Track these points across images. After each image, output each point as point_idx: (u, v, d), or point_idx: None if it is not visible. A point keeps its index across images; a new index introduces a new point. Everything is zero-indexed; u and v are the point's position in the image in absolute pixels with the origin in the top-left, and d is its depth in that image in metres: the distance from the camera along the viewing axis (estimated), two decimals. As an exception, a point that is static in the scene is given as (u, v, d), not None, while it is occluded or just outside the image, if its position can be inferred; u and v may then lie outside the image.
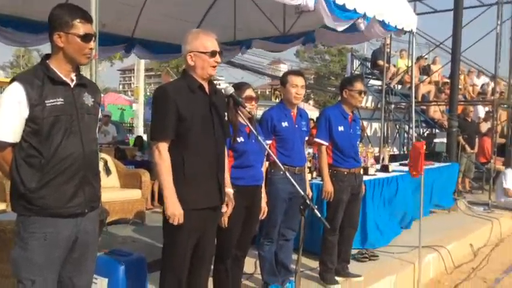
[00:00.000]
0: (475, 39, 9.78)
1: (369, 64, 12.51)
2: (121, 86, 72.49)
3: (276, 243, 3.81)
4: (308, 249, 4.51)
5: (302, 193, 2.79)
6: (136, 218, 5.68)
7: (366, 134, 11.67)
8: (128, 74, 69.31)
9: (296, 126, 3.84)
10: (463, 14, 8.49)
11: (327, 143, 4.09)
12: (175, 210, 2.53)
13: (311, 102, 41.00)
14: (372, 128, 12.81)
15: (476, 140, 9.88)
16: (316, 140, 4.14)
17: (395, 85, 12.18)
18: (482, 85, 14.58)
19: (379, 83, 11.72)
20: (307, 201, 2.75)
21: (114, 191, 5.72)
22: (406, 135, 12.14)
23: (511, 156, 9.57)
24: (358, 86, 4.11)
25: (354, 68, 12.55)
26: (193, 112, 2.62)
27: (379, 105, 11.04)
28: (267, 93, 43.64)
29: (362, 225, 5.20)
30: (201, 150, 2.64)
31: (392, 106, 11.25)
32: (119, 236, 5.20)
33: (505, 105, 10.57)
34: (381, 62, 11.22)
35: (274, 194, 3.65)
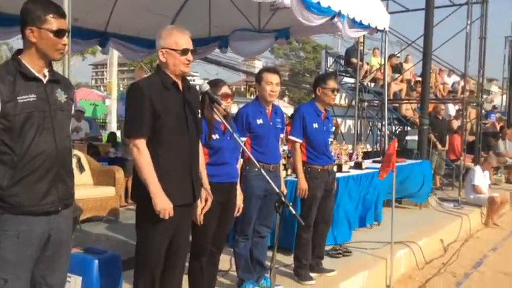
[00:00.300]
0: (447, 38, 10.02)
1: (342, 62, 12.62)
2: (93, 81, 71.27)
3: (251, 240, 3.83)
4: (282, 246, 4.56)
5: (277, 190, 2.83)
6: (110, 216, 5.63)
7: (340, 131, 11.81)
8: (100, 68, 68.16)
9: (271, 123, 3.86)
10: (434, 13, 8.68)
11: (301, 141, 4.13)
12: (165, 204, 2.52)
13: (286, 99, 41.16)
14: (346, 125, 12.96)
15: (447, 137, 10.11)
16: (291, 137, 4.18)
17: (369, 83, 12.34)
18: (453, 84, 14.95)
19: (352, 80, 11.85)
20: (282, 199, 2.79)
21: (87, 188, 5.65)
22: (379, 132, 12.32)
23: (480, 154, 9.83)
24: (331, 84, 4.16)
25: (328, 66, 12.65)
26: (167, 109, 2.61)
27: (353, 103, 11.17)
28: (242, 89, 43.58)
29: (335, 221, 5.29)
30: (174, 147, 2.63)
31: (366, 104, 11.40)
32: (93, 233, 5.14)
33: (474, 104, 10.82)
34: (354, 60, 11.34)
35: (249, 191, 3.66)
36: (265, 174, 2.87)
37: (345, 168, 6.03)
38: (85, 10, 6.82)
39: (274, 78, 3.82)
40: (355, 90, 10.35)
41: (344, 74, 12.68)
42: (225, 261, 4.10)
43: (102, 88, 44.07)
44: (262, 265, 3.92)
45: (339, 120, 11.91)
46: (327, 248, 4.86)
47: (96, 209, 5.52)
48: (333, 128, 10.89)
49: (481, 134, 11.03)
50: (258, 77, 3.90)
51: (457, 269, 5.46)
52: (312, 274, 4.17)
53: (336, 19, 6.11)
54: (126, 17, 7.76)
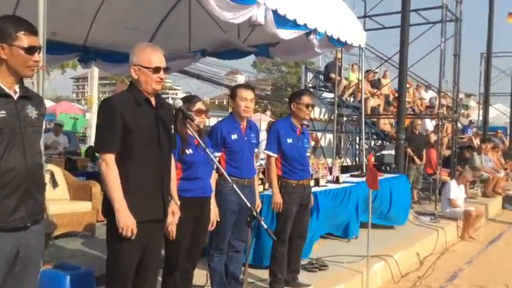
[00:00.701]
0: (423, 55, 10.24)
1: (322, 77, 12.79)
2: (74, 95, 70.71)
3: (226, 254, 3.84)
4: (258, 260, 4.59)
5: (249, 205, 2.87)
6: (86, 231, 5.57)
7: (320, 145, 11.92)
8: (81, 82, 67.72)
9: (245, 138, 3.91)
10: (409, 30, 8.90)
11: (276, 155, 4.18)
12: (128, 221, 2.52)
13: (268, 113, 41.39)
14: (326, 139, 13.07)
15: (424, 152, 10.28)
16: (265, 152, 4.23)
17: (348, 98, 12.52)
18: (430, 99, 15.23)
19: (332, 95, 12.00)
20: (254, 213, 2.84)
21: (62, 203, 5.59)
22: (358, 146, 12.47)
23: (455, 168, 10.01)
24: (306, 99, 4.23)
25: (308, 81, 12.80)
26: (139, 124, 2.63)
27: (332, 117, 11.31)
28: (224, 103, 43.72)
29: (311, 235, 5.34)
30: (145, 163, 2.65)
31: (344, 118, 11.55)
32: (68, 249, 5.08)
33: (450, 119, 11.05)
34: (333, 75, 11.50)
35: (224, 205, 3.69)
36: (237, 189, 2.92)
37: (322, 182, 6.11)
38: (64, 24, 6.82)
39: (248, 94, 3.88)
40: (334, 105, 10.48)
41: (323, 89, 12.85)
42: (202, 276, 4.09)
43: (83, 101, 43.73)
44: (237, 280, 3.93)
45: (319, 134, 12.02)
46: (304, 262, 4.90)
47: (72, 224, 5.46)
48: (313, 143, 11.03)
49: (457, 148, 11.25)
50: (233, 92, 3.96)
51: (432, 282, 5.53)
52: (287, 288, 4.19)
53: (311, 36, 6.22)
54: (106, 31, 7.77)
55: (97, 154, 8.77)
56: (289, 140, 4.21)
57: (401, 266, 5.69)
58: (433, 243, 6.91)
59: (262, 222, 2.84)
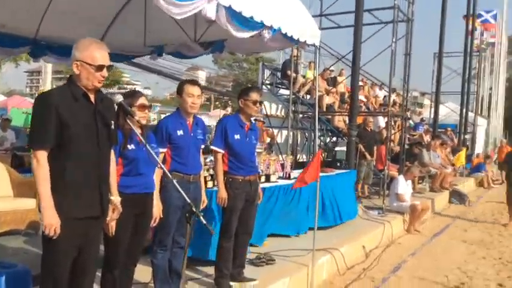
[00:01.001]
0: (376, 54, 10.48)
1: (279, 74, 12.91)
2: (28, 89, 68.33)
3: (170, 251, 3.84)
4: (204, 256, 4.61)
5: (188, 201, 2.90)
6: (30, 229, 5.42)
7: (276, 142, 12.04)
8: (35, 76, 65.53)
9: (192, 134, 3.92)
10: (363, 30, 9.11)
11: (222, 151, 4.21)
12: (52, 220, 2.49)
13: (229, 109, 41.36)
14: (283, 135, 13.22)
15: (375, 148, 10.56)
16: (212, 147, 4.26)
17: (305, 95, 12.69)
18: (384, 97, 15.66)
19: (288, 92, 12.14)
20: (193, 209, 2.87)
21: (5, 200, 5.42)
22: (312, 143, 12.67)
23: (404, 164, 10.34)
24: (254, 96, 4.28)
25: (265, 78, 12.89)
26: (76, 120, 2.60)
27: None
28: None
29: (260, 229, 5.42)
30: (83, 159, 2.62)
31: (300, 115, 11.70)
32: (9, 247, 4.94)
33: (400, 117, 11.39)
34: (289, 72, 11.63)
35: (168, 201, 3.68)
36: (177, 185, 2.94)
37: (273, 178, 6.19)
38: (13, 16, 6.59)
39: (195, 90, 3.89)
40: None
41: (280, 86, 12.97)
42: (147, 273, 4.06)
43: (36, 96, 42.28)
44: (180, 276, 3.93)
45: (275, 131, 12.14)
46: (251, 256, 4.96)
47: (15, 222, 5.30)
48: (268, 139, 11.07)
49: (407, 144, 11.62)
50: (180, 88, 3.96)
51: (376, 274, 5.71)
52: (232, 283, 4.23)
53: (264, 31, 6.27)
54: (59, 24, 7.54)
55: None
56: (237, 136, 4.25)
57: (348, 259, 5.85)
58: (380, 237, 7.12)
59: (201, 217, 2.87)
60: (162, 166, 3.08)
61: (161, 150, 3.76)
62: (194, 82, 4.07)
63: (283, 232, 6.01)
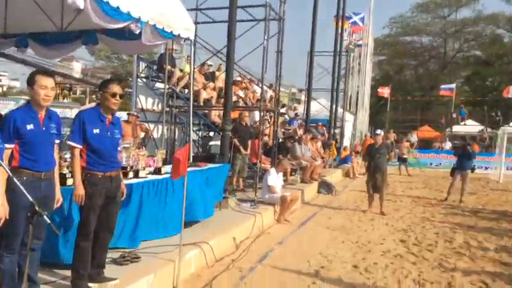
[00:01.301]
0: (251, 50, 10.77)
1: (155, 67, 12.66)
2: None
3: (18, 254, 3.57)
4: (62, 258, 4.37)
5: (31, 199, 2.72)
6: None
7: (151, 136, 11.81)
8: None
9: (44, 129, 3.69)
10: (237, 26, 9.28)
11: (80, 146, 4.03)
12: None
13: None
14: (159, 130, 13.01)
15: (250, 142, 10.87)
16: (69, 142, 4.04)
17: (182, 89, 12.60)
18: (261, 92, 16.16)
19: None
20: (36, 208, 2.70)
21: None
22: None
23: (276, 157, 10.79)
24: (113, 88, 4.14)
25: (140, 71, 12.55)
26: None
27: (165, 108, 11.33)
28: (57, 92, 40.57)
29: (127, 226, 5.28)
30: None
31: (176, 110, 11.61)
32: None
33: (272, 111, 11.86)
34: (165, 66, 11.47)
35: (15, 201, 3.42)
36: (18, 183, 2.75)
37: (142, 174, 6.06)
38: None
39: (49, 82, 3.68)
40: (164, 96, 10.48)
41: (156, 79, 12.73)
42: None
43: None
44: (32, 280, 3.69)
45: (151, 125, 11.90)
46: (115, 255, 4.82)
47: None
48: (143, 134, 10.78)
49: (281, 138, 12.14)
50: (31, 80, 3.69)
51: (245, 264, 5.89)
52: (91, 284, 4.07)
53: (133, 25, 6.12)
54: None
55: None
56: (96, 130, 4.09)
57: (217, 251, 5.95)
58: (250, 228, 7.34)
59: (45, 217, 2.72)
60: (1, 163, 2.84)
61: (7, 146, 3.48)
62: (47, 73, 3.83)
63: (159, 237, 5.80)
